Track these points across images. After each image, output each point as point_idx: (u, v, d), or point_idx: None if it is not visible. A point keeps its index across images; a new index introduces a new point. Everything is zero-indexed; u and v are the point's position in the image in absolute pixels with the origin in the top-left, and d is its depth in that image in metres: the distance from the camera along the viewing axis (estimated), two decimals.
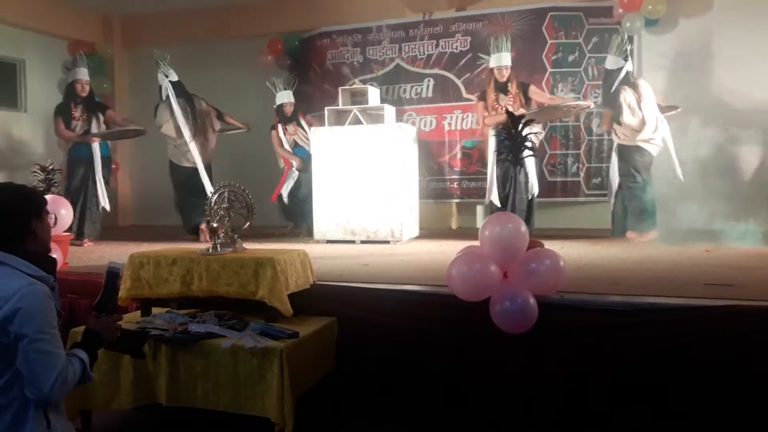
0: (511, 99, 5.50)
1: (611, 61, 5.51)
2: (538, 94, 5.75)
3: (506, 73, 5.51)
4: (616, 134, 5.52)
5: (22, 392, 1.70)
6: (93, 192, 5.74)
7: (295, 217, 6.38)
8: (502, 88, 5.55)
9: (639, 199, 5.30)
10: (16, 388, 1.70)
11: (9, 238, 1.80)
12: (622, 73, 5.39)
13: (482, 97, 5.71)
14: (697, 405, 2.54)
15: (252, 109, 7.03)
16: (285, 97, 6.36)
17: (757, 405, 2.48)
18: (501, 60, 5.53)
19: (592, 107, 6.09)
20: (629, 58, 5.54)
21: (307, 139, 6.08)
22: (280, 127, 6.33)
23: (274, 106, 6.38)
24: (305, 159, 6.12)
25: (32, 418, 1.71)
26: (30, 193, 1.94)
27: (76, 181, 5.72)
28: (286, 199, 6.30)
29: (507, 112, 3.65)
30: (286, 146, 6.31)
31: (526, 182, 5.36)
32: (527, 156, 3.56)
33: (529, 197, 5.39)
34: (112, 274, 2.11)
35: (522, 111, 5.20)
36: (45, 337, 1.71)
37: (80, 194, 5.68)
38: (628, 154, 5.42)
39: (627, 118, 5.24)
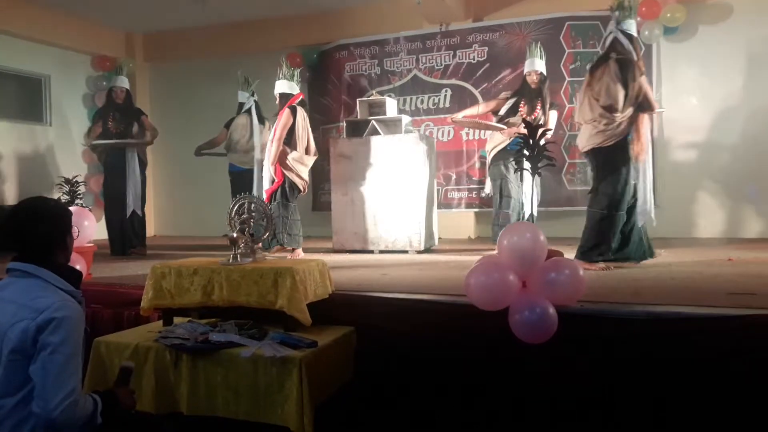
0: (522, 110, 5.28)
1: None
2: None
3: (536, 78, 5.30)
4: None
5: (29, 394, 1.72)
6: (130, 198, 5.70)
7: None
8: (533, 94, 5.30)
9: None
10: (25, 390, 1.73)
11: (44, 252, 1.85)
12: None
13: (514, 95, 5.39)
14: (722, 416, 2.50)
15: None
16: (276, 88, 5.39)
17: None
18: (534, 65, 5.31)
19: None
20: None
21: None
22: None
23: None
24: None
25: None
26: (64, 209, 2.00)
27: (113, 188, 5.72)
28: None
29: (524, 121, 3.62)
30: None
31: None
32: (544, 166, 3.52)
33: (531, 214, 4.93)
34: (126, 373, 2.17)
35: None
36: (67, 352, 1.73)
37: (118, 201, 5.67)
38: None
39: None
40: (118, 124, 5.84)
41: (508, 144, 5.20)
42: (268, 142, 5.25)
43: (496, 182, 5.35)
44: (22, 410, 1.71)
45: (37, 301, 1.73)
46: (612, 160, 3.96)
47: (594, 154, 4.04)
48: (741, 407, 2.47)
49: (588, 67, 4.29)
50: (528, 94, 5.31)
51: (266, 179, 5.19)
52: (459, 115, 5.61)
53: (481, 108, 5.63)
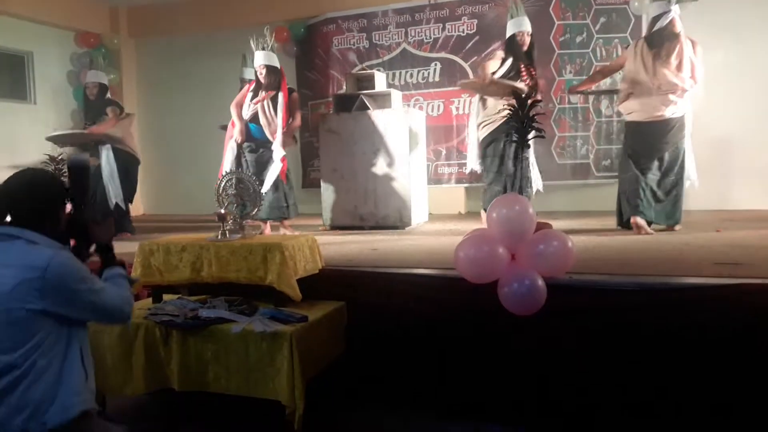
0: (524, 74, 4.72)
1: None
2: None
3: (528, 40, 4.74)
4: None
5: (65, 350, 1.82)
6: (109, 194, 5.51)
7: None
8: (524, 57, 4.75)
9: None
10: (57, 348, 1.79)
11: (34, 221, 1.85)
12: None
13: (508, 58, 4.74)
14: (710, 383, 2.54)
15: None
16: (261, 59, 4.98)
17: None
18: (522, 25, 4.73)
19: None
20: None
21: (269, 126, 4.98)
22: (250, 92, 5.08)
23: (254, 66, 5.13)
24: (253, 136, 5.06)
25: (75, 372, 1.83)
26: (60, 183, 2.01)
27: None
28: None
29: (513, 93, 3.54)
30: (244, 111, 5.05)
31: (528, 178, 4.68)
32: (533, 138, 3.45)
33: (533, 192, 4.73)
34: (76, 169, 2.11)
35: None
36: (94, 285, 1.87)
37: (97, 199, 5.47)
38: None
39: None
40: (87, 121, 5.71)
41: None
42: (278, 125, 4.93)
43: (493, 160, 4.78)
44: (43, 358, 1.77)
45: (33, 260, 1.76)
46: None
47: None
48: (727, 374, 2.51)
49: (647, 40, 4.54)
50: (522, 57, 4.74)
51: (277, 159, 4.92)
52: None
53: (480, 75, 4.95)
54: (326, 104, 7.38)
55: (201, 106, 8.18)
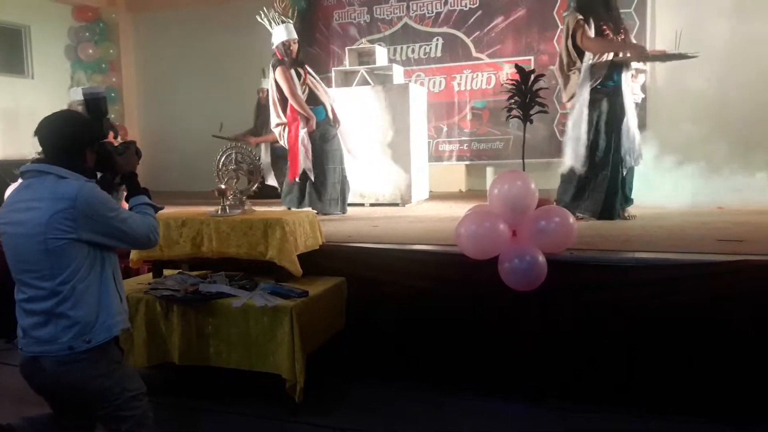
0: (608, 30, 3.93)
1: None
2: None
3: None
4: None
5: (100, 274, 2.00)
6: None
7: (323, 201, 4.72)
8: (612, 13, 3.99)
9: None
10: (94, 272, 1.98)
11: (64, 156, 2.00)
12: None
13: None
14: (711, 359, 2.54)
15: (258, 74, 6.95)
16: (286, 33, 4.61)
17: None
18: None
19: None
20: None
21: (326, 92, 4.73)
22: (292, 71, 4.58)
23: (274, 46, 4.67)
24: (324, 119, 4.69)
25: (111, 294, 2.03)
26: (87, 122, 2.18)
27: None
28: (311, 175, 4.63)
29: (516, 66, 3.43)
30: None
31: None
32: (536, 113, 3.35)
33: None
34: (93, 100, 2.29)
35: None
36: (121, 213, 2.05)
37: None
38: None
39: None
40: None
41: (600, 81, 3.88)
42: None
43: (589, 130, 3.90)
44: (84, 282, 1.94)
45: (63, 192, 1.92)
46: None
47: None
48: (728, 349, 2.52)
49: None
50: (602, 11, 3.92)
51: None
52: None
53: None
54: (327, 80, 7.30)
55: (201, 81, 8.11)
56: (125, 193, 2.26)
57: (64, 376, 1.94)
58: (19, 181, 2.08)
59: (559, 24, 6.49)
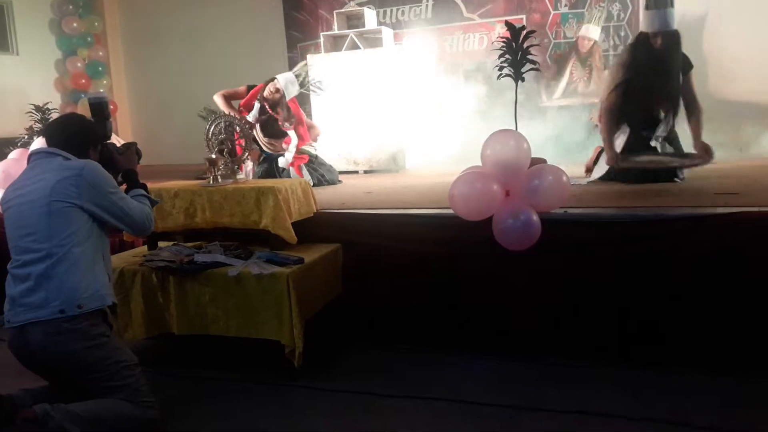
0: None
1: None
2: None
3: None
4: None
5: (94, 247, 2.10)
6: None
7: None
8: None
9: None
10: (90, 242, 2.08)
11: (71, 152, 2.17)
12: None
13: None
14: (707, 313, 2.56)
15: (248, 52, 6.80)
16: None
17: (765, 308, 2.49)
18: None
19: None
20: None
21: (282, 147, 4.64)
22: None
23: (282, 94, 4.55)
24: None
25: (102, 271, 2.14)
26: (100, 130, 2.41)
27: None
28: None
29: (507, 23, 3.33)
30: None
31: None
32: (528, 71, 3.23)
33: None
34: (97, 105, 2.57)
35: None
36: (121, 194, 2.21)
37: None
38: None
39: None
40: None
41: None
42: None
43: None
44: (78, 247, 2.04)
45: (70, 165, 2.10)
46: None
47: None
48: (725, 301, 2.54)
49: None
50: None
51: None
52: None
53: None
54: (315, 46, 7.19)
55: (187, 55, 7.97)
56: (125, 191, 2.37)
57: (52, 347, 1.96)
58: (9, 157, 2.21)
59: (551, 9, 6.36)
